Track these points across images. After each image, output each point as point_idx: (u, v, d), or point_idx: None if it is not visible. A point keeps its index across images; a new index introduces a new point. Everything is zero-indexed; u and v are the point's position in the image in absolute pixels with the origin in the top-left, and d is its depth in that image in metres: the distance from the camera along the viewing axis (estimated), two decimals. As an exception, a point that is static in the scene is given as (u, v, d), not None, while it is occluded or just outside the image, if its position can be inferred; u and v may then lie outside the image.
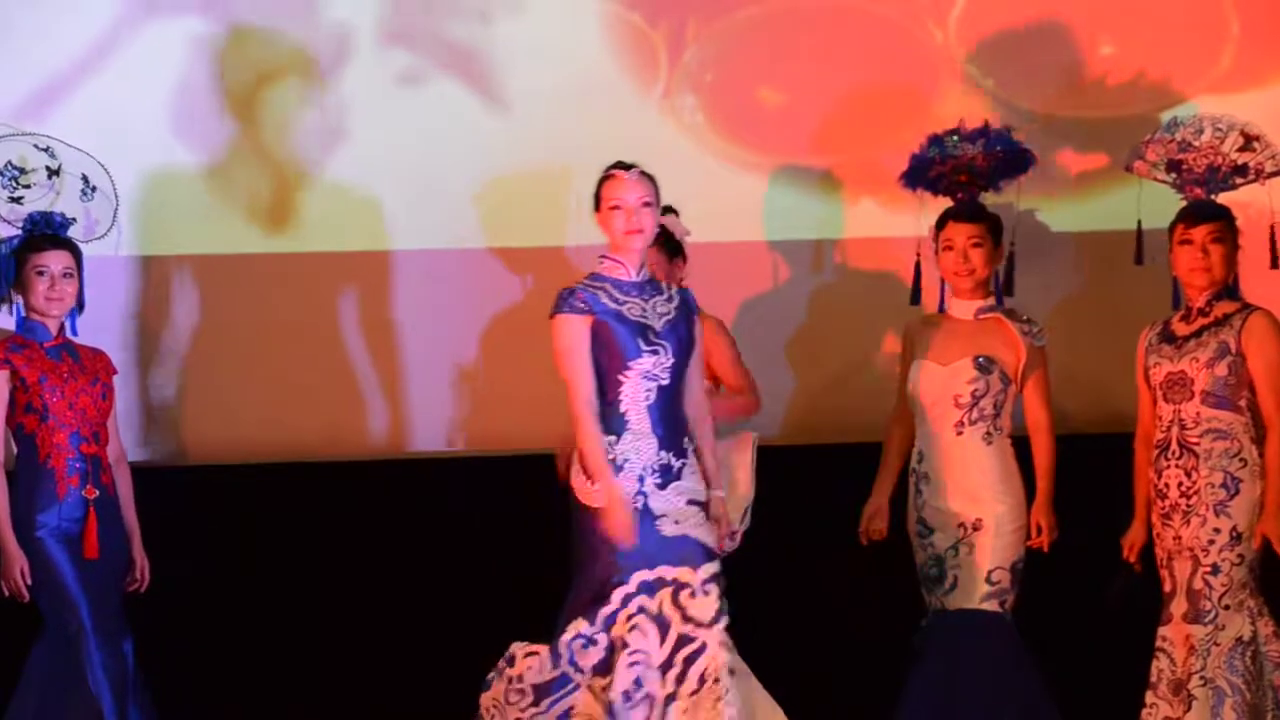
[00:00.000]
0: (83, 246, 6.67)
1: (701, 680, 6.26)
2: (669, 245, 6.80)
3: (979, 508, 6.56)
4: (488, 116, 7.45)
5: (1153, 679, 6.42)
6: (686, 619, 6.27)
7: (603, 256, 6.38)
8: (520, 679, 6.36)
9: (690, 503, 6.34)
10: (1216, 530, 6.30)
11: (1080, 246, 7.61)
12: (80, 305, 6.70)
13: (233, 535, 7.34)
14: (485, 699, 6.38)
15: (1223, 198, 6.57)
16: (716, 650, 6.28)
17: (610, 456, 6.25)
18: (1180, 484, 6.35)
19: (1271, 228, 6.65)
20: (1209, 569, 6.31)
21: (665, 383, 6.32)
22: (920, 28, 7.64)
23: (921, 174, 6.91)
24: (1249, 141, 6.57)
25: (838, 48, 7.64)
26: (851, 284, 7.67)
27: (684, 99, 7.60)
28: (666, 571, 6.27)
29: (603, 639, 6.27)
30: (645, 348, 6.32)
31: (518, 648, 6.37)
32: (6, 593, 6.51)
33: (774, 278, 7.66)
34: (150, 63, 7.47)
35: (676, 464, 6.33)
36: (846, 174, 7.71)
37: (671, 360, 6.34)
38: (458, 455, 7.57)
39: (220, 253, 7.50)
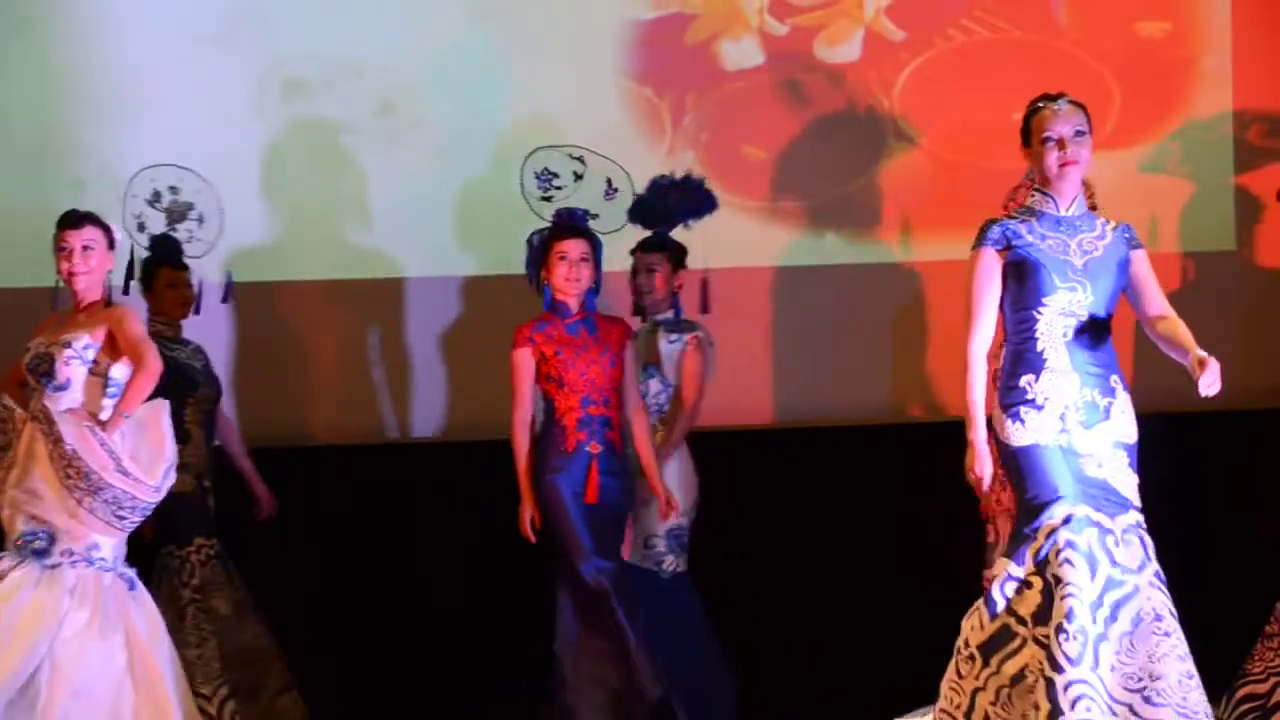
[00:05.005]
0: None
1: (1137, 620, 5.70)
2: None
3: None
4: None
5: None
6: (1114, 563, 5.73)
7: (1035, 189, 5.93)
8: (966, 644, 5.78)
9: (1118, 445, 5.82)
10: None
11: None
12: (597, 286, 7.08)
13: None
14: (942, 685, 5.85)
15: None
16: (1150, 592, 5.73)
17: (1030, 395, 5.76)
18: None
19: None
20: None
21: (1084, 319, 5.80)
22: (871, 98, 8.29)
23: (638, 209, 7.25)
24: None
25: (807, 113, 8.20)
26: (821, 302, 8.20)
27: (685, 155, 8.12)
28: (1091, 513, 5.76)
29: (1036, 581, 5.70)
30: (1061, 284, 5.80)
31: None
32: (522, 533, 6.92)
33: (757, 297, 8.16)
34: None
35: (1103, 402, 5.82)
36: (814, 213, 8.26)
37: (1091, 298, 5.81)
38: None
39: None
